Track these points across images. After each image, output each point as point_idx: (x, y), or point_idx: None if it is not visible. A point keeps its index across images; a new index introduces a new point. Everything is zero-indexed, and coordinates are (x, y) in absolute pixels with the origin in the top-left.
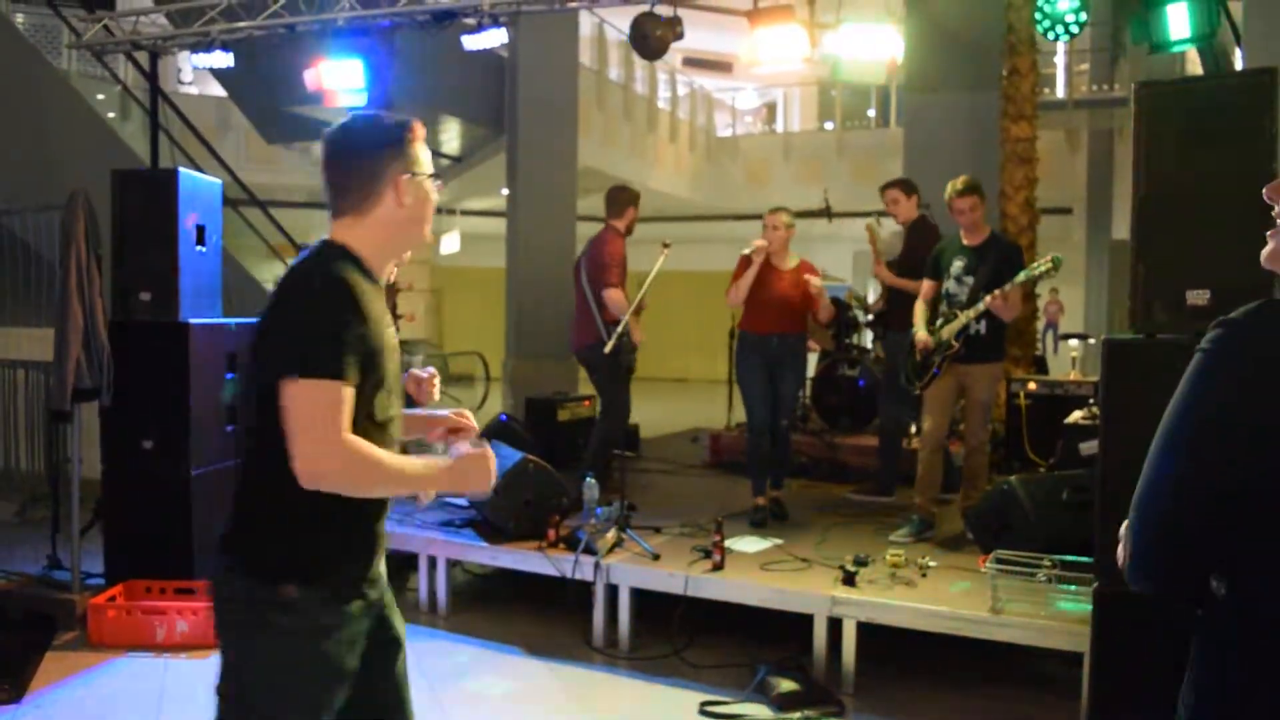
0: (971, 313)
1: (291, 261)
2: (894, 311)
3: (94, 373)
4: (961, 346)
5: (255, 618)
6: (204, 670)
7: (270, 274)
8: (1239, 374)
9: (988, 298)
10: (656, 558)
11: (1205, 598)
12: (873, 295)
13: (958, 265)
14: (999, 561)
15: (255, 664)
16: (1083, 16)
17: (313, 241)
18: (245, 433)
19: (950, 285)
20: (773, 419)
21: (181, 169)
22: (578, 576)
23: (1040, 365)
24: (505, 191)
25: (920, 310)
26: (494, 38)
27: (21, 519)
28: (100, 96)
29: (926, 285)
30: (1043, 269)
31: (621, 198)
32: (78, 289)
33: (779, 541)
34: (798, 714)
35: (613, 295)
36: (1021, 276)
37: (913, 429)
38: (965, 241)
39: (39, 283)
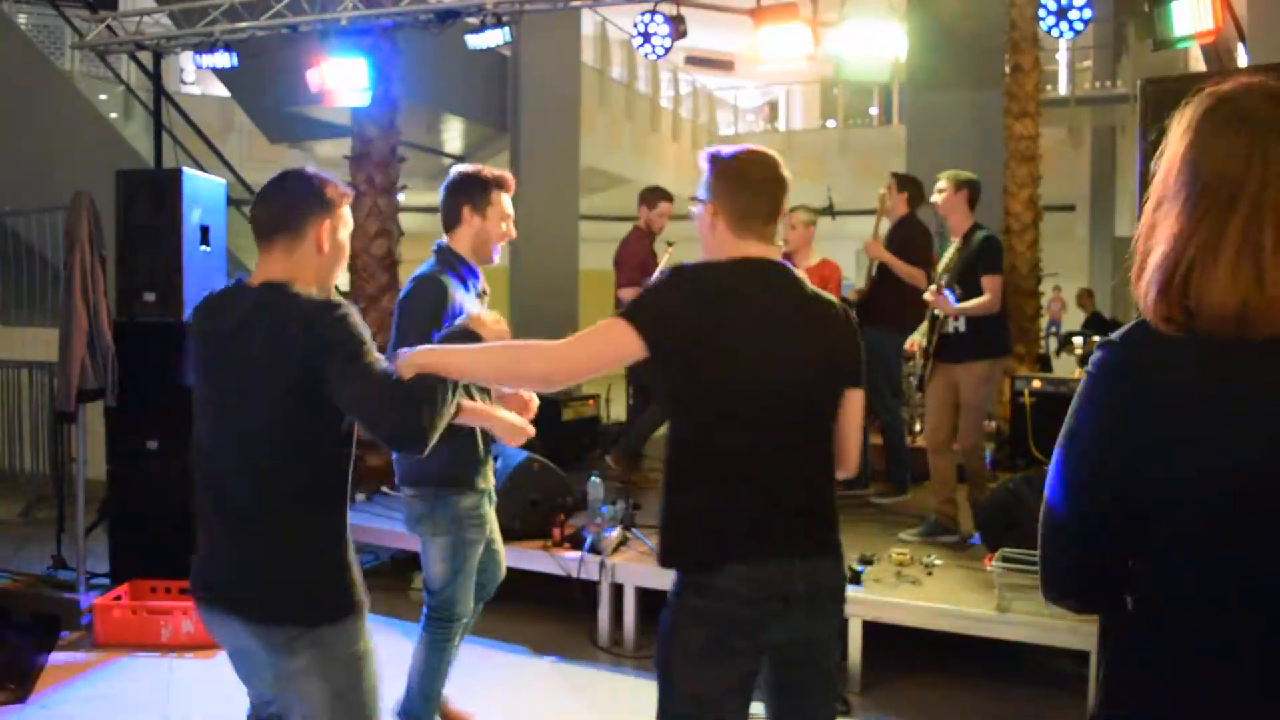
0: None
1: None
2: (876, 302)
3: (98, 373)
4: (938, 344)
5: None
6: (209, 670)
7: None
8: (1114, 394)
9: (927, 294)
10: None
11: (1118, 609)
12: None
13: (944, 259)
14: (1005, 560)
15: None
16: (1086, 13)
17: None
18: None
19: (942, 279)
20: None
21: (185, 169)
22: (583, 576)
23: (1044, 363)
24: None
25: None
26: (497, 37)
27: (27, 519)
28: (103, 96)
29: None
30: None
31: (643, 195)
32: (82, 289)
33: None
34: None
35: (624, 295)
36: (960, 307)
37: (917, 426)
38: (951, 235)
39: (43, 283)
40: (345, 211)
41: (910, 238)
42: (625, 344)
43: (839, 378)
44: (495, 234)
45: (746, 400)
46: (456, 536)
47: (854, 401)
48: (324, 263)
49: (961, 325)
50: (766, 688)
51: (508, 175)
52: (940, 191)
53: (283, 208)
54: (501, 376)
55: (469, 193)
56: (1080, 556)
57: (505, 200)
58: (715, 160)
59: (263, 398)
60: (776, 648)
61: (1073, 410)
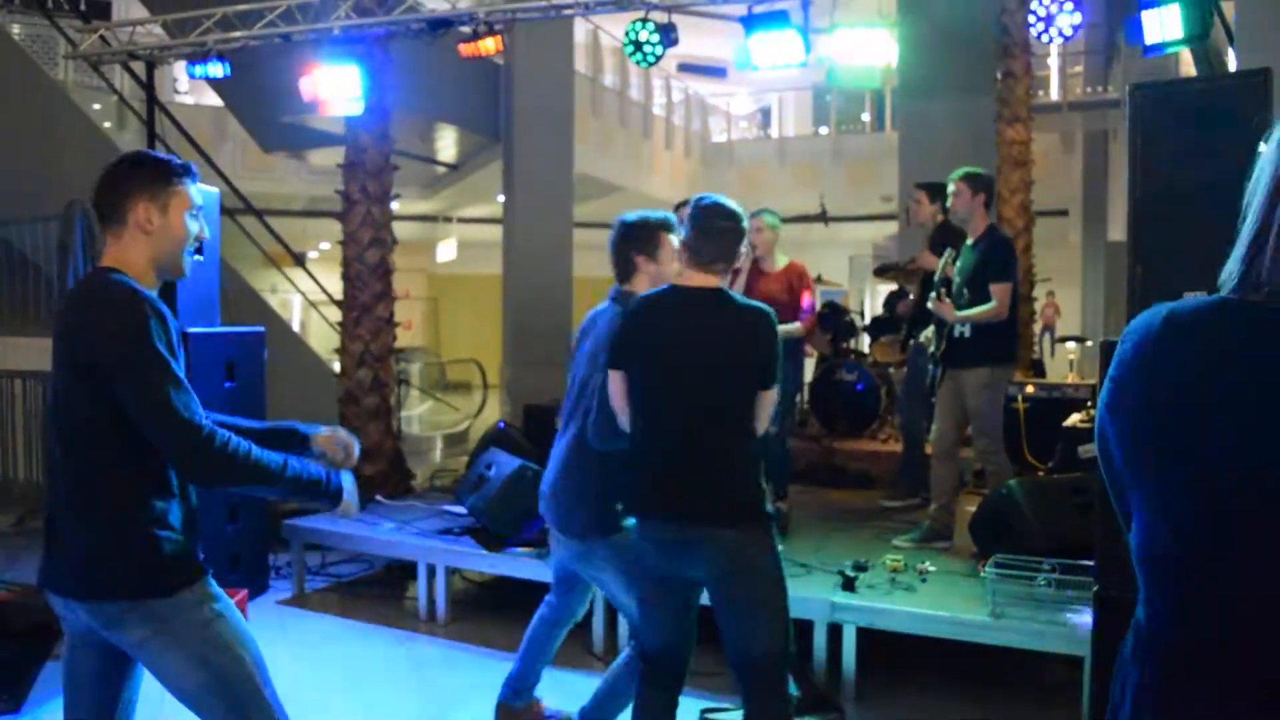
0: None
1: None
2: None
3: None
4: (945, 348)
5: None
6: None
7: (267, 283)
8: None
9: (931, 300)
10: None
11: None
12: (868, 301)
13: (960, 262)
14: (998, 566)
15: None
16: (1076, 18)
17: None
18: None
19: (956, 281)
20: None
21: None
22: None
23: (1038, 368)
24: (501, 199)
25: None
26: (489, 45)
27: (20, 529)
28: (96, 106)
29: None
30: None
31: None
32: None
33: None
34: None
35: None
36: (963, 314)
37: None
38: (968, 239)
39: (36, 293)
40: (184, 190)
41: (947, 245)
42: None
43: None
44: (669, 273)
45: None
46: None
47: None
48: (153, 244)
49: (968, 331)
50: None
51: (672, 217)
52: (956, 195)
53: (106, 190)
54: None
55: (640, 241)
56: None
57: (673, 239)
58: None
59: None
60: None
61: None
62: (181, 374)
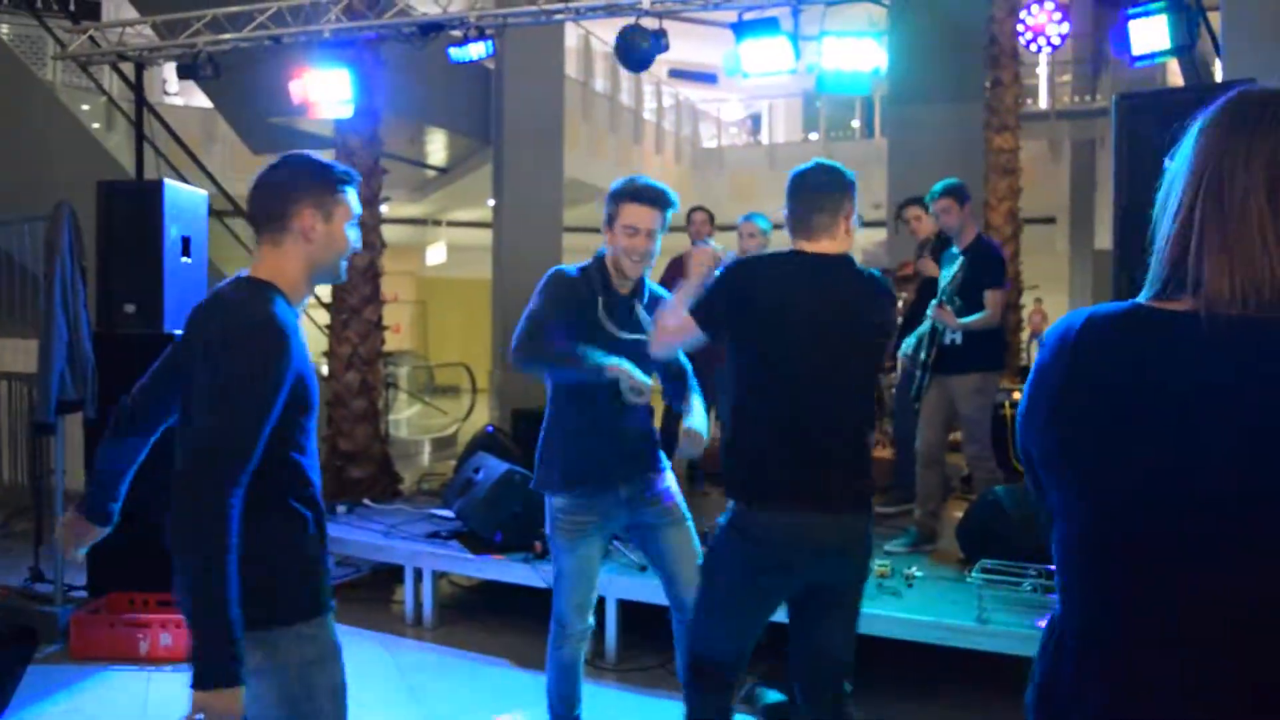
0: (930, 321)
1: None
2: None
3: (78, 385)
4: (935, 355)
5: None
6: (187, 683)
7: None
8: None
9: (932, 308)
10: (643, 569)
11: None
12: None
13: (947, 272)
14: (985, 571)
15: None
16: (1064, 28)
17: None
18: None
19: (944, 289)
20: None
21: (167, 180)
22: None
23: (1025, 375)
24: (491, 203)
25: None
26: (480, 49)
27: (4, 531)
28: (85, 107)
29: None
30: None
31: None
32: (62, 301)
33: None
34: None
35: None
36: (964, 322)
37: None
38: (954, 247)
39: (23, 294)
40: (347, 198)
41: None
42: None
43: None
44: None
45: None
46: None
47: None
48: (313, 254)
49: (958, 338)
50: None
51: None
52: (945, 212)
53: (269, 195)
54: None
55: None
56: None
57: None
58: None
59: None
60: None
61: None
62: (260, 430)
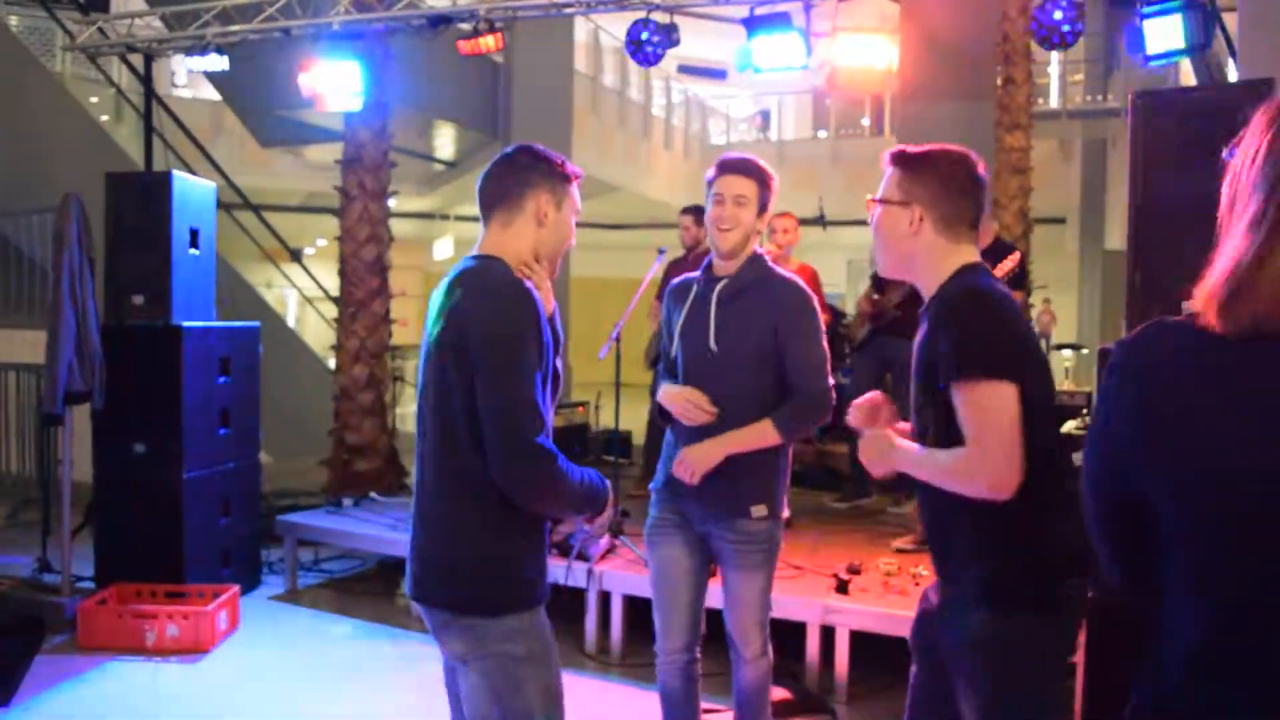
0: None
1: None
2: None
3: (86, 376)
4: None
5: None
6: (194, 674)
7: (263, 278)
8: (1127, 389)
9: None
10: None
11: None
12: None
13: None
14: None
15: None
16: (1078, 27)
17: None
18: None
19: None
20: None
21: (175, 172)
22: (570, 583)
23: None
24: None
25: None
26: (489, 43)
27: (12, 522)
28: (94, 99)
29: None
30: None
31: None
32: (70, 292)
33: None
34: None
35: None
36: None
37: None
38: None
39: (31, 285)
40: (574, 193)
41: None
42: (1014, 402)
43: None
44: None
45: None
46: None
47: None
48: (541, 238)
49: None
50: None
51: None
52: None
53: (506, 177)
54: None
55: None
56: (1095, 534)
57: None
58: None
59: (448, 376)
60: None
61: (1096, 401)
62: (539, 385)
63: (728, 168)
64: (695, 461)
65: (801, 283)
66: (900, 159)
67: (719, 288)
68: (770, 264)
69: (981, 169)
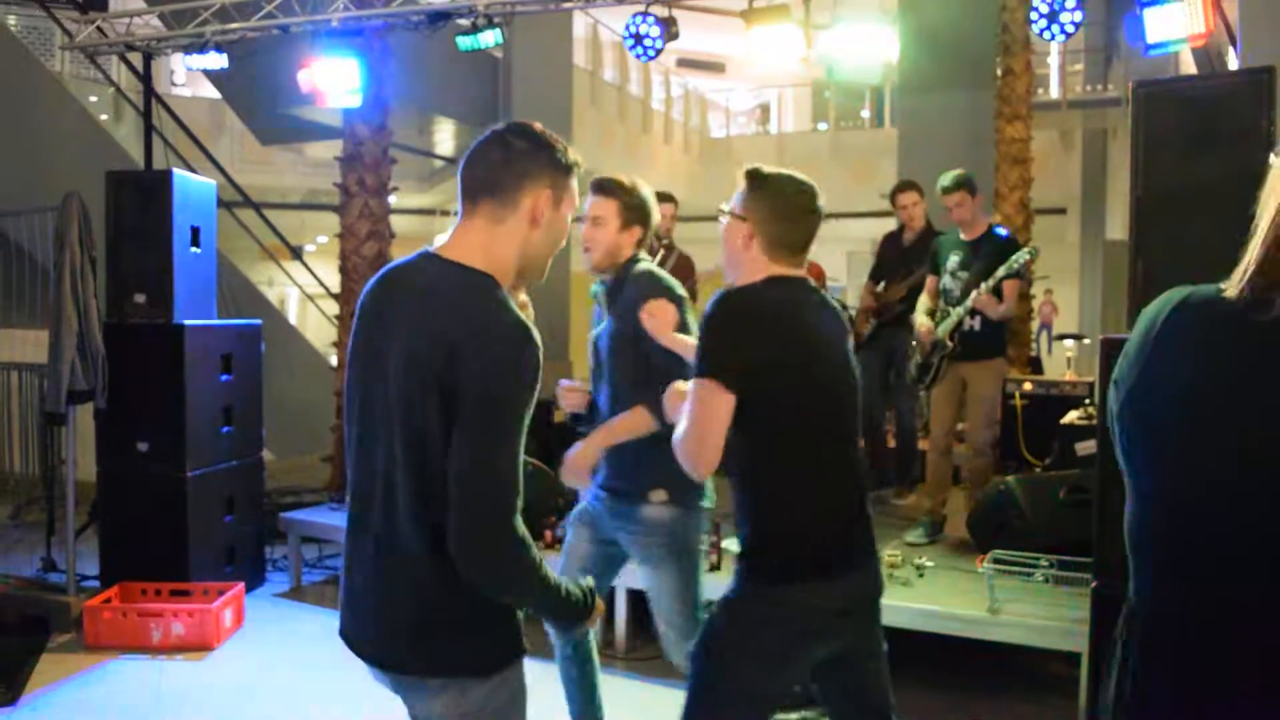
0: (962, 309)
1: None
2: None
3: (89, 375)
4: (958, 344)
5: None
6: (200, 671)
7: (264, 275)
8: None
9: (974, 294)
10: None
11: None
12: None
13: (953, 260)
14: (996, 562)
15: None
16: (1077, 16)
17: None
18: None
19: (946, 281)
20: None
21: (175, 170)
22: None
23: (1035, 365)
24: None
25: (923, 302)
26: (488, 38)
27: (16, 521)
28: (93, 98)
29: (929, 280)
30: (1021, 259)
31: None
32: (72, 291)
33: None
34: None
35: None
36: (1001, 271)
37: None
38: (962, 236)
39: (33, 285)
40: (574, 187)
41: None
42: (726, 406)
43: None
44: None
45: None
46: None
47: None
48: (532, 240)
49: (978, 325)
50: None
51: None
52: (959, 205)
53: (498, 166)
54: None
55: None
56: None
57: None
58: (756, 178)
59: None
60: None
61: None
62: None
63: (591, 188)
64: (572, 463)
65: (656, 276)
66: (750, 177)
67: (604, 293)
68: (638, 266)
69: (821, 201)
